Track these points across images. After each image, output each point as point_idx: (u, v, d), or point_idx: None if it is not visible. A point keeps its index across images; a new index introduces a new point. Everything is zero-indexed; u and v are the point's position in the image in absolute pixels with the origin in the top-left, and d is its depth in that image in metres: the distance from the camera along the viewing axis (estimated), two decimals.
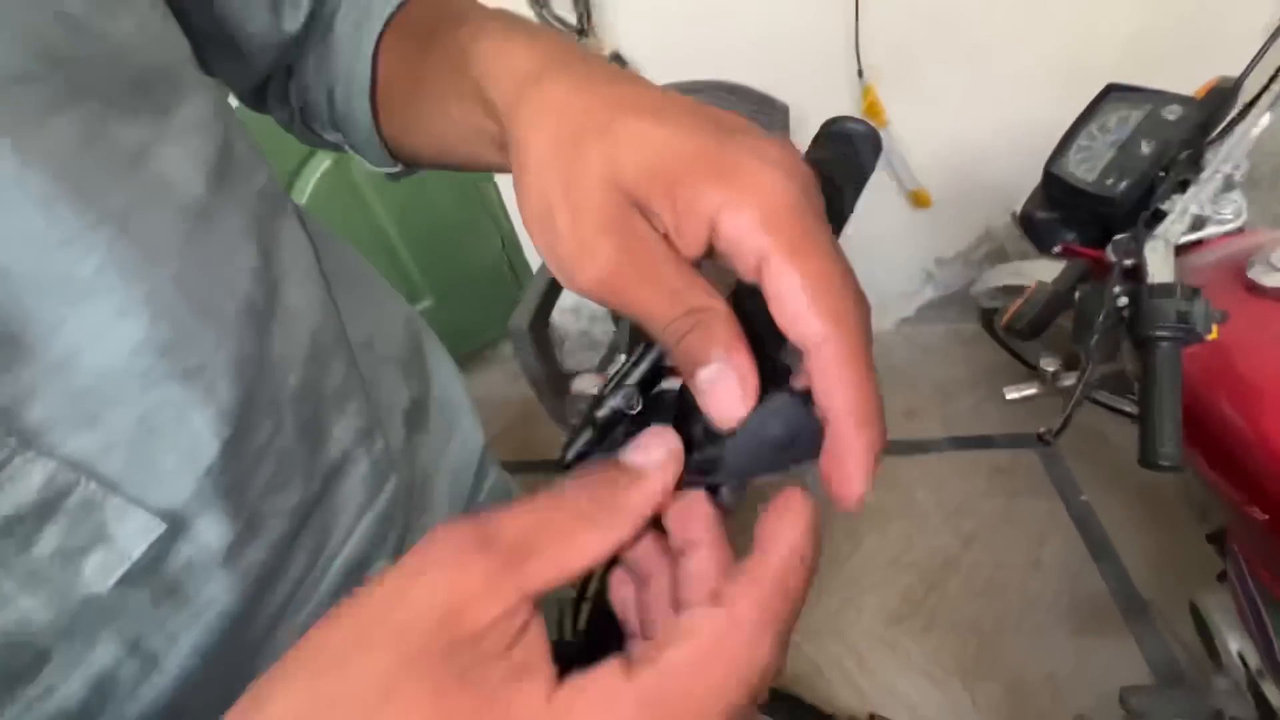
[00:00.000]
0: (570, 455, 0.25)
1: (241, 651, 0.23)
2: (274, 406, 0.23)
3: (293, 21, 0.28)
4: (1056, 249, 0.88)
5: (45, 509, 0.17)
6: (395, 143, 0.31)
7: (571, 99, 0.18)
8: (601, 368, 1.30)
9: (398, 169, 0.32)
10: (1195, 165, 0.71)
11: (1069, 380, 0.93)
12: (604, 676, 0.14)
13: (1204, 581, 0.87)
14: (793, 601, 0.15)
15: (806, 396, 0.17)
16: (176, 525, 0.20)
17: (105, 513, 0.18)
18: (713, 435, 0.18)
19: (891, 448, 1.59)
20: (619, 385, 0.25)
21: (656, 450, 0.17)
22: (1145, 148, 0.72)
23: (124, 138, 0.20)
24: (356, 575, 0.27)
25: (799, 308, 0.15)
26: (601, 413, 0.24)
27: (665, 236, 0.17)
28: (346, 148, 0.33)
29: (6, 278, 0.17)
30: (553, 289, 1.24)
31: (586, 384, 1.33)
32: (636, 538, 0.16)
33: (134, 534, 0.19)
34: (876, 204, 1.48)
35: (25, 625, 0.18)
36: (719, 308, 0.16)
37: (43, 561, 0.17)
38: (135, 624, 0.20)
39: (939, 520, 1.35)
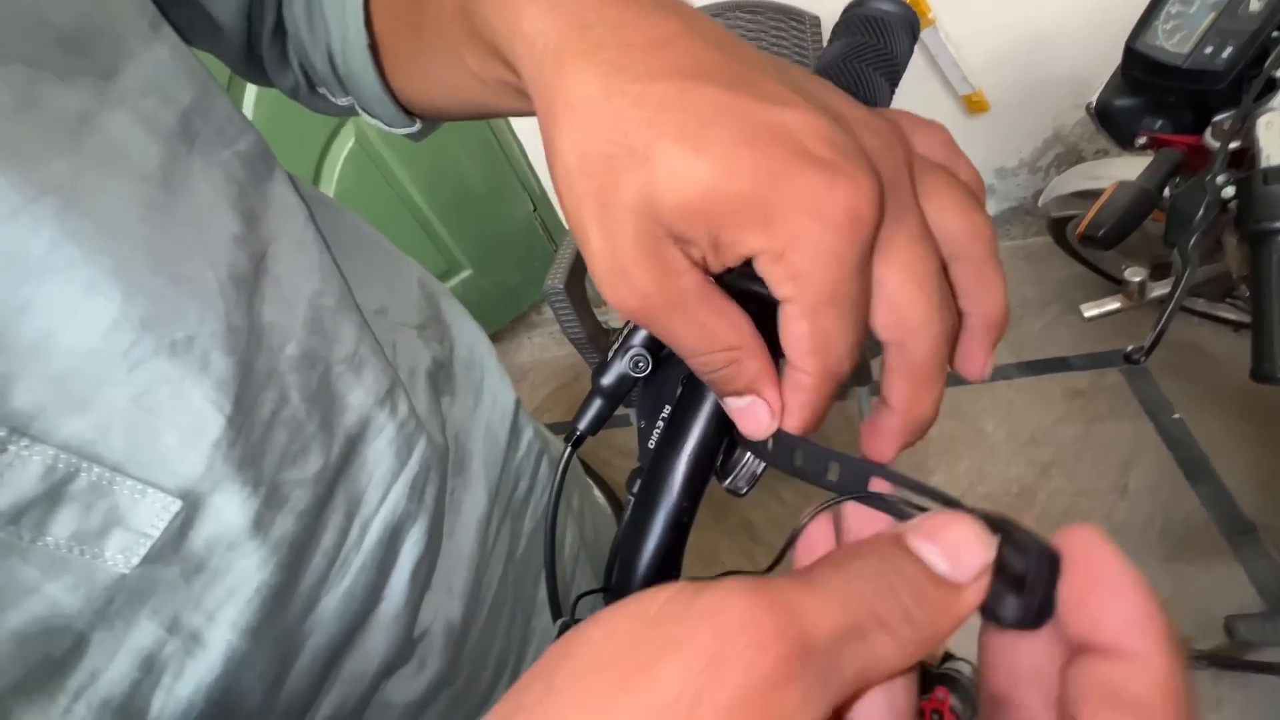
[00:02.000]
0: (583, 426, 0.23)
1: (286, 626, 0.23)
2: (273, 377, 0.22)
3: None
4: (1140, 141, 0.77)
5: (51, 496, 0.18)
6: (409, 98, 0.28)
7: (600, 103, 0.15)
8: None
9: (416, 128, 0.30)
10: None
11: (1158, 291, 0.83)
12: None
13: None
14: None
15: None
16: (193, 502, 0.20)
17: (116, 496, 0.19)
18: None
19: (954, 377, 1.52)
20: (624, 348, 0.22)
21: (971, 559, 0.12)
22: (1255, 3, 0.61)
23: (61, 104, 0.18)
24: (394, 541, 0.27)
25: (797, 355, 0.16)
26: (608, 380, 0.22)
27: (700, 260, 0.17)
28: (360, 111, 0.31)
29: None
30: None
31: None
32: None
33: (150, 514, 0.19)
34: (924, 115, 1.35)
35: (57, 612, 0.18)
36: (749, 346, 0.17)
37: (60, 547, 0.18)
38: (170, 603, 0.20)
39: (1011, 451, 1.28)
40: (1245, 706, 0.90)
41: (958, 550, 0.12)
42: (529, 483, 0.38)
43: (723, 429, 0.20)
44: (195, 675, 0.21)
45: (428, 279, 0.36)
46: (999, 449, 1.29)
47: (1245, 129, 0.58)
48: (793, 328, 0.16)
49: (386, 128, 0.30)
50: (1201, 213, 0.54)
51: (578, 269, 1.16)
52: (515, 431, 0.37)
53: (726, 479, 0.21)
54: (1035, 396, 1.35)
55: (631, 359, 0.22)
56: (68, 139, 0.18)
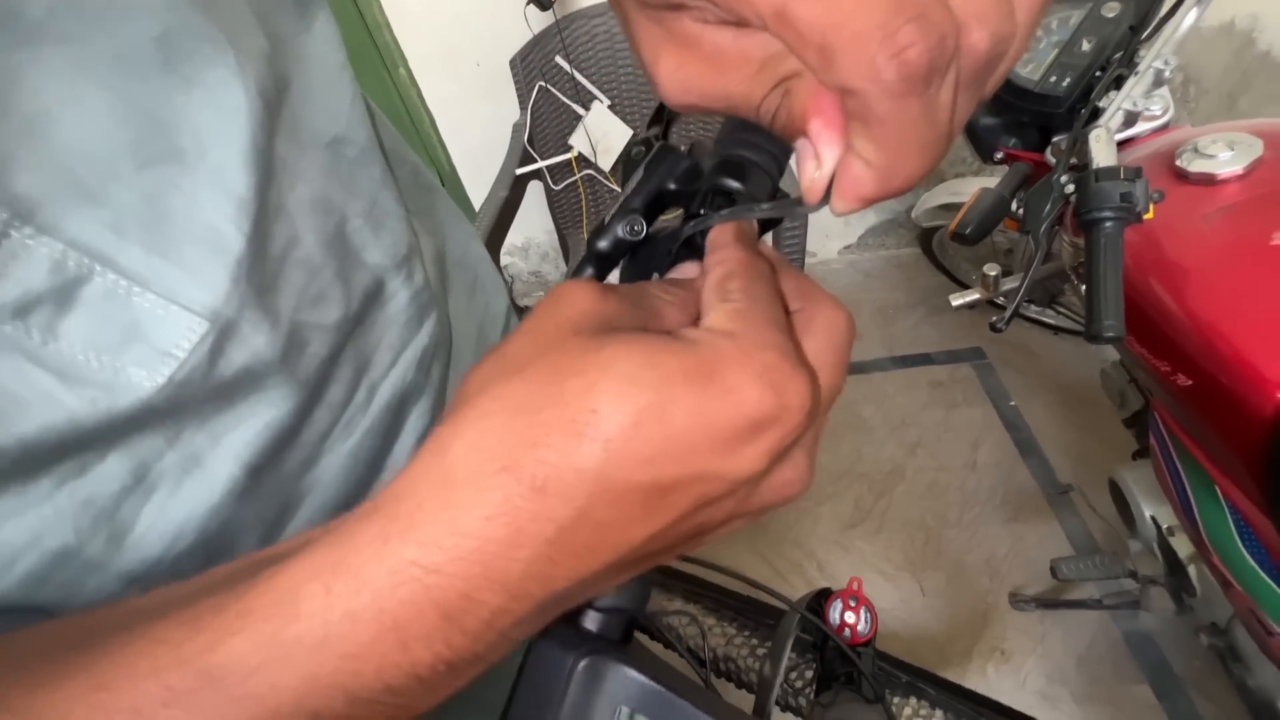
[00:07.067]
0: None
1: (287, 473, 0.22)
2: (283, 213, 0.21)
3: None
4: (998, 156, 0.92)
5: (62, 296, 0.16)
6: None
7: None
8: None
9: None
10: (1130, 62, 0.74)
11: (1008, 285, 0.98)
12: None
13: (1120, 463, 0.96)
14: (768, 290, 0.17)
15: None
16: (224, 327, 0.19)
17: (136, 310, 0.17)
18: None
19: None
20: (622, 211, 0.23)
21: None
22: (1085, 45, 0.75)
23: None
24: (401, 411, 0.27)
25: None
26: (603, 244, 0.23)
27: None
28: None
29: None
30: (502, 220, 1.19)
31: None
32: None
33: (174, 333, 0.18)
34: None
35: (75, 424, 0.17)
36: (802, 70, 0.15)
37: (75, 356, 0.17)
38: (179, 421, 0.19)
39: (885, 433, 1.43)
40: (1064, 636, 1.07)
41: None
42: None
43: None
44: (190, 499, 0.19)
45: (423, 171, 0.35)
46: (875, 432, 1.44)
47: (1079, 147, 0.71)
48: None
49: None
50: (1049, 206, 0.66)
51: (493, 242, 1.14)
52: (508, 331, 0.37)
53: None
54: (905, 386, 1.52)
55: (628, 222, 0.23)
56: None
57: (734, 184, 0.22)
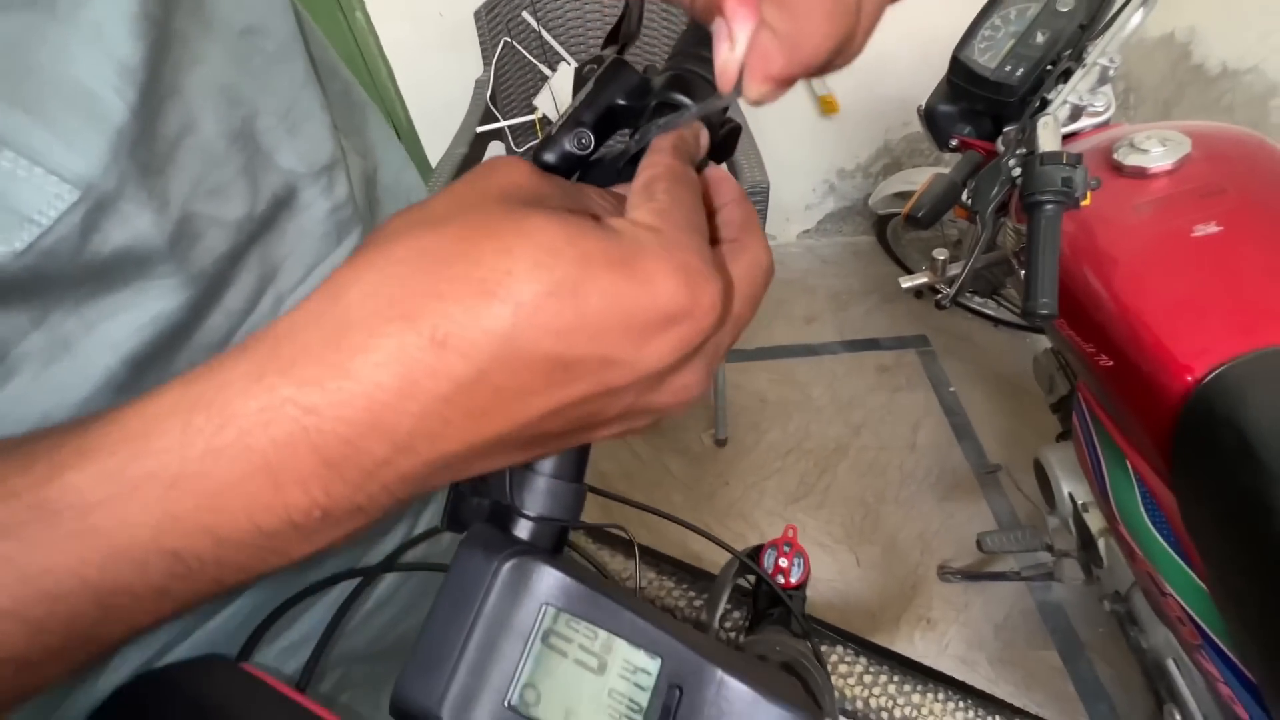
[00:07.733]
0: None
1: (175, 372, 0.21)
2: (178, 92, 0.20)
3: None
4: (953, 143, 0.94)
5: None
6: None
7: None
8: None
9: None
10: (1079, 58, 0.77)
11: (953, 270, 1.02)
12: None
13: (1045, 443, 1.02)
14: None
15: None
16: (98, 199, 0.17)
17: None
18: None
19: (792, 350, 1.69)
20: (570, 123, 0.22)
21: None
22: (1040, 37, 0.77)
23: None
24: None
25: None
26: (550, 156, 0.22)
27: None
28: None
29: None
30: (460, 174, 1.15)
31: None
32: None
33: (37, 198, 0.16)
34: (787, 111, 1.50)
35: None
36: None
37: None
38: (45, 300, 0.17)
39: (832, 413, 1.48)
40: (984, 606, 1.14)
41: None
42: None
43: None
44: (57, 387, 0.18)
45: (356, 89, 0.33)
46: (823, 411, 1.48)
47: (1027, 135, 0.74)
48: None
49: None
50: (997, 188, 0.68)
51: None
52: None
53: None
54: (853, 369, 1.56)
55: (575, 135, 0.21)
56: None
57: (682, 98, 0.22)
